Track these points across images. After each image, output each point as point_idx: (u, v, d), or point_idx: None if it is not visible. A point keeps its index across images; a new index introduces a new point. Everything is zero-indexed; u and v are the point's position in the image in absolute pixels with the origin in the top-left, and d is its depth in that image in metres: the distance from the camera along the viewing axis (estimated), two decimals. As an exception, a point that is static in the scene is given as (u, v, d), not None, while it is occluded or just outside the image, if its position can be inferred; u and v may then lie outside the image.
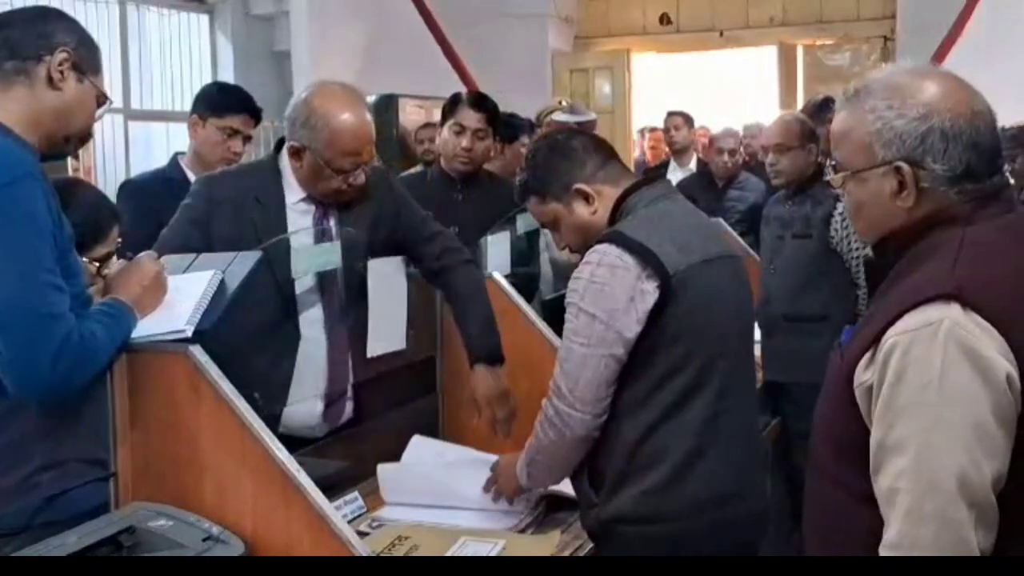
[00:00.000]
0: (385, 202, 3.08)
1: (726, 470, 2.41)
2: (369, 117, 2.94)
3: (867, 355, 1.71)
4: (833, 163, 1.89)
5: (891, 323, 1.68)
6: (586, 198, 2.52)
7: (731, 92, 11.46)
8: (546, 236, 4.36)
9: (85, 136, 2.29)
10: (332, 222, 2.98)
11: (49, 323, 2.01)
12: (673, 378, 2.36)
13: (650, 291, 2.32)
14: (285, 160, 2.96)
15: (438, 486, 2.86)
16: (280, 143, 3.01)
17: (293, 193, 2.96)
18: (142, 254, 2.38)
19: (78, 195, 2.54)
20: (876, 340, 1.70)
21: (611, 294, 2.32)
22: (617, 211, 2.49)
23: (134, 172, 6.78)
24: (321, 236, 2.95)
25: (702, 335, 2.37)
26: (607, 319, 2.32)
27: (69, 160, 7.77)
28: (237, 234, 2.81)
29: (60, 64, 2.17)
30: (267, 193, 2.95)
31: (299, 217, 2.96)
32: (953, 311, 1.64)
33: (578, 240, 2.57)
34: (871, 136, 1.79)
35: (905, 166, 1.76)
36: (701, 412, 2.38)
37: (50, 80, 2.16)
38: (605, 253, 2.36)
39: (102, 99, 2.28)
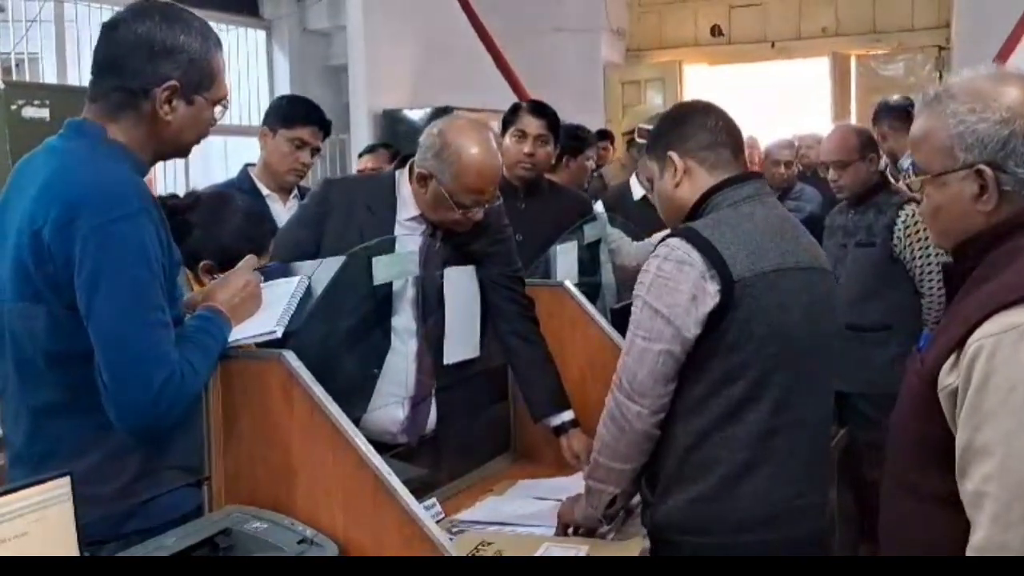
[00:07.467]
0: (490, 240, 3.15)
1: (780, 489, 2.38)
2: (499, 158, 3.02)
3: (951, 359, 1.72)
4: (912, 166, 1.90)
5: (975, 327, 1.69)
6: (673, 168, 2.50)
7: (783, 103, 11.35)
8: (611, 245, 4.40)
9: (199, 140, 2.28)
10: (437, 242, 3.06)
11: (152, 365, 2.02)
12: (728, 386, 2.34)
13: (711, 293, 2.30)
14: (404, 178, 3.07)
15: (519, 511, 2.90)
16: (403, 159, 3.12)
17: (405, 210, 3.06)
18: (242, 262, 2.43)
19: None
20: (960, 344, 1.71)
21: (675, 289, 2.32)
22: (701, 205, 2.47)
23: (193, 185, 6.85)
24: (424, 253, 3.02)
25: (761, 346, 2.33)
26: (668, 315, 2.32)
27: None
28: (344, 237, 2.93)
29: (166, 99, 2.14)
30: (379, 204, 3.06)
31: (407, 232, 3.04)
32: (1037, 314, 1.65)
33: (661, 208, 2.60)
34: (952, 139, 1.80)
35: (987, 169, 1.77)
36: (755, 426, 2.36)
37: (155, 113, 2.14)
38: (674, 248, 2.35)
39: (219, 103, 2.25)
